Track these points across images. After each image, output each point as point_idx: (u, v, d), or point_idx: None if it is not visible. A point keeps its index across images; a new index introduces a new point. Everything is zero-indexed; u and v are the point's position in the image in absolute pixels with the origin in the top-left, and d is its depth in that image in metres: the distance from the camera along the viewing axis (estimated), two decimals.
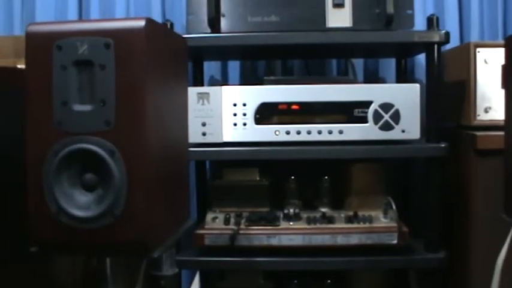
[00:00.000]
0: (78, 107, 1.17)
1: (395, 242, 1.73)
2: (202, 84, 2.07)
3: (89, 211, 1.17)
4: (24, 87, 1.19)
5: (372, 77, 2.22)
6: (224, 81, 2.22)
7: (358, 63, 2.22)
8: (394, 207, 1.70)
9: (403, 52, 2.02)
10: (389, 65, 2.21)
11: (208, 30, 1.76)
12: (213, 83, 2.21)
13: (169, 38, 1.34)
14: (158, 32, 1.24)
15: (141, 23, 1.16)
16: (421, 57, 2.17)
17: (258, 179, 1.84)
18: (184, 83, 1.46)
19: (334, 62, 2.24)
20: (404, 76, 2.12)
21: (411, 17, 1.78)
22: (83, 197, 1.19)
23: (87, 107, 1.17)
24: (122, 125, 1.15)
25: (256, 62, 2.24)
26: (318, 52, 2.00)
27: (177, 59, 1.39)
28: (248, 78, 2.22)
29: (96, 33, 1.16)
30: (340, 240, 1.73)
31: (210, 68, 2.21)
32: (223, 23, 1.76)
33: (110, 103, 1.16)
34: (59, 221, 1.18)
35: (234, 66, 2.23)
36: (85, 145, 1.16)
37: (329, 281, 1.90)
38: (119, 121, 1.15)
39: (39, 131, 1.18)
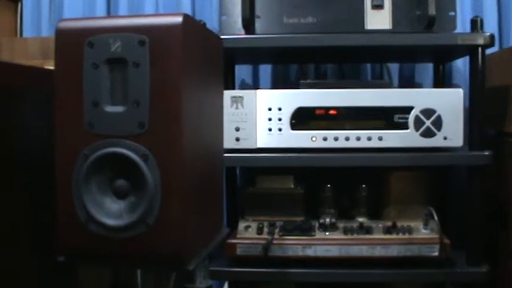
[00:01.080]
0: (110, 108, 1.08)
1: (436, 254, 1.61)
2: (233, 88, 1.97)
3: (120, 220, 1.07)
4: (52, 88, 1.10)
5: (408, 82, 2.11)
6: (255, 86, 2.13)
7: (393, 68, 2.11)
8: (436, 217, 1.58)
9: (443, 56, 1.91)
10: (425, 70, 2.10)
11: (242, 31, 1.66)
12: (244, 87, 2.11)
13: (206, 37, 1.24)
14: (195, 30, 1.14)
15: (179, 19, 1.06)
16: (460, 62, 2.07)
17: (292, 186, 1.73)
18: (220, 85, 1.36)
19: (368, 66, 2.13)
20: (442, 82, 2.01)
21: (453, 19, 1.68)
22: (114, 205, 1.09)
23: (119, 108, 1.07)
24: (156, 127, 1.06)
25: (288, 66, 2.14)
26: (355, 56, 1.89)
27: (213, 60, 1.30)
28: (280, 83, 2.12)
29: (130, 30, 1.07)
30: (379, 251, 1.62)
31: (241, 71, 2.11)
32: (258, 25, 1.67)
33: (143, 104, 1.06)
34: (88, 230, 1.09)
35: (265, 70, 2.13)
36: (117, 149, 1.06)
37: None
38: (153, 123, 1.06)
39: (68, 134, 1.09)
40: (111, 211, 1.09)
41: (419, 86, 2.10)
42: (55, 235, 1.11)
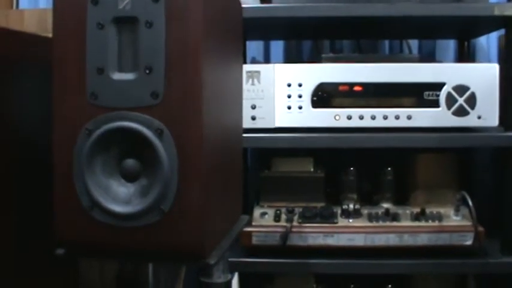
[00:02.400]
0: (117, 76, 0.89)
1: (469, 243, 1.44)
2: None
3: (130, 206, 0.89)
4: (51, 57, 0.91)
5: (427, 59, 1.91)
6: (267, 63, 1.93)
7: (413, 45, 1.92)
8: (470, 203, 1.40)
9: (471, 31, 1.72)
10: (447, 47, 1.91)
11: (257, 1, 1.47)
12: (255, 64, 1.91)
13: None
14: None
15: None
16: (483, 40, 1.88)
17: (312, 169, 1.55)
18: (239, 56, 1.18)
19: (386, 43, 1.94)
20: (466, 60, 1.82)
21: None
22: (122, 189, 0.91)
23: (128, 76, 0.89)
24: (172, 97, 0.87)
25: (301, 43, 1.95)
26: (375, 30, 1.70)
27: (234, 27, 1.11)
28: (292, 60, 1.92)
29: None
30: (407, 240, 1.45)
31: (251, 48, 1.92)
32: None
33: (157, 70, 0.87)
34: (92, 218, 0.91)
35: (277, 47, 1.94)
36: (125, 123, 0.88)
37: (390, 286, 1.61)
38: (169, 93, 0.87)
39: (68, 106, 0.91)
40: (118, 196, 0.91)
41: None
42: (53, 224, 0.92)
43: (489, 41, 1.88)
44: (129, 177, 0.91)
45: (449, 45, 1.92)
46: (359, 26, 1.64)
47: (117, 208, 0.89)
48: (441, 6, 1.45)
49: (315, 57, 1.88)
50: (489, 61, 1.87)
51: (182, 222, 0.88)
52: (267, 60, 1.94)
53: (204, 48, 0.88)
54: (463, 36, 1.83)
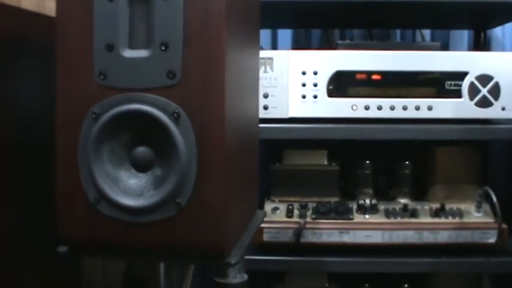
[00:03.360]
0: (128, 53, 0.78)
1: (492, 241, 1.33)
2: None
3: (142, 199, 0.78)
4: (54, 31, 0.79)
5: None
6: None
7: (425, 34, 1.81)
8: (495, 199, 1.29)
9: (487, 20, 1.61)
10: (460, 37, 1.80)
11: None
12: None
13: None
14: None
15: None
16: (498, 31, 1.77)
17: (326, 163, 1.44)
18: (257, 40, 1.06)
19: (398, 32, 1.83)
20: (482, 50, 1.71)
21: None
22: (134, 180, 0.80)
23: (142, 53, 0.78)
24: (191, 77, 0.76)
25: (309, 32, 1.83)
26: (389, 17, 1.59)
27: (253, 9, 0.99)
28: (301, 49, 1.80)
29: None
30: (426, 237, 1.34)
31: None
32: None
33: (174, 47, 0.76)
34: (99, 212, 0.79)
35: (284, 36, 1.82)
36: (138, 106, 0.77)
37: (406, 285, 1.50)
38: (188, 72, 0.76)
39: (73, 87, 0.79)
40: (129, 188, 0.79)
41: None
42: (55, 219, 0.80)
43: (504, 32, 1.77)
44: (141, 166, 0.79)
45: (463, 36, 1.81)
46: (371, 14, 1.53)
47: (128, 201, 0.78)
48: None
49: (324, 47, 1.77)
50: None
51: (201, 218, 0.77)
52: (274, 48, 1.82)
53: (228, 23, 0.76)
54: (478, 27, 1.72)
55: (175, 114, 0.76)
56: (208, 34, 0.76)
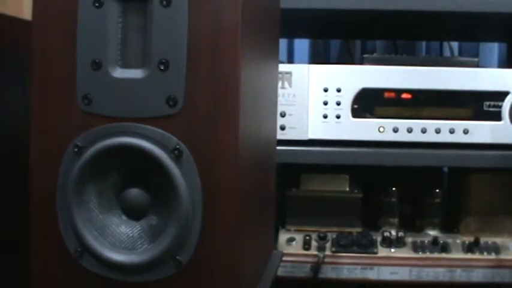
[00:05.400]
0: (120, 73, 0.61)
1: None
2: None
3: (134, 254, 0.61)
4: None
5: None
6: (290, 63, 1.65)
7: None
8: None
9: None
10: (491, 50, 1.64)
11: None
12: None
13: None
14: None
15: None
16: None
17: (348, 189, 1.27)
18: (276, 52, 0.89)
19: (423, 44, 1.67)
20: None
21: None
22: (124, 229, 0.63)
23: (136, 73, 0.61)
24: (196, 105, 0.59)
25: (328, 42, 1.67)
26: (415, 28, 1.43)
27: (272, 15, 0.83)
28: (319, 61, 1.65)
29: None
30: (459, 275, 1.17)
31: None
32: None
33: (176, 66, 0.59)
34: (81, 268, 0.61)
35: (302, 46, 1.67)
36: (130, 139, 0.60)
37: None
38: (192, 99, 0.59)
39: (51, 113, 0.62)
40: (118, 239, 0.63)
41: None
42: (28, 274, 0.64)
43: None
44: (134, 213, 0.63)
45: (494, 49, 1.65)
46: (395, 24, 1.36)
47: (116, 256, 0.62)
48: (500, 2, 1.17)
49: (344, 59, 1.62)
50: None
51: (206, 278, 0.60)
52: (290, 60, 1.68)
53: (243, 36, 0.60)
54: (511, 39, 1.56)
55: (176, 151, 0.59)
56: (219, 50, 0.59)
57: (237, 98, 0.59)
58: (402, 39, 1.64)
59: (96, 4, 0.61)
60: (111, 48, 0.61)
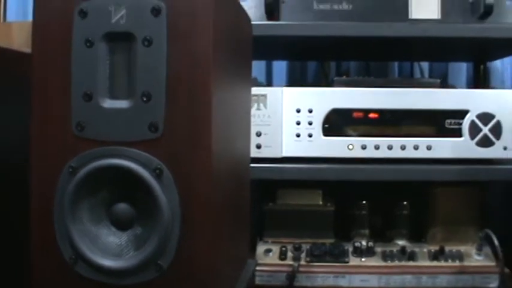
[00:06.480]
0: (108, 103, 0.72)
1: (494, 286, 1.27)
2: None
3: (121, 260, 0.72)
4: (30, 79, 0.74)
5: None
6: (269, 84, 1.76)
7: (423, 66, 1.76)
8: (496, 242, 1.23)
9: (492, 53, 1.56)
10: (459, 70, 1.76)
11: (263, 18, 1.31)
12: (257, 85, 1.73)
13: (238, 12, 0.88)
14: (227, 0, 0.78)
15: None
16: (498, 63, 1.72)
17: (321, 203, 1.37)
18: (249, 78, 1.01)
19: (395, 65, 1.78)
20: (481, 83, 1.66)
21: (511, 9, 1.33)
22: (113, 239, 0.74)
23: (122, 104, 0.72)
24: (175, 131, 0.70)
25: (305, 64, 1.78)
26: (388, 50, 1.53)
27: (244, 45, 0.94)
28: (296, 81, 1.75)
29: None
30: (425, 282, 1.28)
31: (253, 68, 1.73)
32: (283, 11, 1.31)
33: (157, 98, 0.70)
34: (75, 274, 0.72)
35: (280, 68, 1.77)
36: (118, 161, 0.71)
37: None
38: (171, 125, 0.70)
39: (49, 139, 0.73)
40: (108, 247, 0.73)
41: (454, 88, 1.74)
42: (29, 280, 0.74)
43: (504, 65, 1.73)
44: (121, 225, 0.73)
45: (462, 68, 1.76)
46: (370, 47, 1.47)
47: (107, 262, 0.72)
48: (464, 28, 1.29)
49: (320, 79, 1.72)
50: (503, 85, 1.72)
51: (184, 281, 0.71)
52: (269, 81, 1.77)
53: (215, 70, 0.71)
54: (479, 59, 1.67)
55: (157, 171, 0.70)
56: (194, 83, 0.70)
57: (209, 123, 0.70)
58: (374, 60, 1.74)
59: (88, 44, 0.72)
60: (100, 82, 0.72)
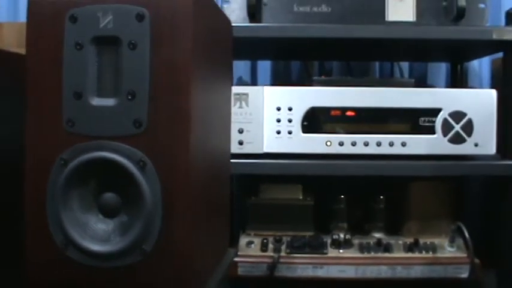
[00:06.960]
0: (96, 101, 0.80)
1: (465, 276, 1.35)
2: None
3: (109, 245, 0.79)
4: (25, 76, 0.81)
5: (419, 83, 1.83)
6: (253, 84, 1.84)
7: (403, 67, 1.84)
8: (467, 234, 1.32)
9: (467, 54, 1.65)
10: (439, 70, 1.84)
11: (246, 20, 1.39)
12: (242, 85, 1.82)
13: (217, 16, 0.96)
14: (207, 4, 0.86)
15: None
16: (475, 63, 1.81)
17: (301, 197, 1.45)
18: (229, 78, 1.08)
19: (376, 65, 1.86)
20: (459, 83, 1.75)
21: (483, 12, 1.42)
22: (101, 225, 0.81)
23: (109, 101, 0.79)
24: (157, 126, 0.78)
25: (289, 63, 1.86)
26: (367, 51, 1.62)
27: (224, 46, 1.02)
28: (280, 81, 1.83)
29: (126, 0, 0.78)
30: (400, 272, 1.36)
31: (238, 68, 1.82)
32: (265, 13, 1.39)
33: (141, 96, 0.78)
34: (67, 258, 0.81)
35: (264, 67, 1.85)
36: (105, 153, 0.78)
37: None
38: (154, 121, 0.78)
39: (42, 134, 0.80)
40: (96, 233, 0.81)
41: (433, 87, 1.83)
42: (23, 263, 0.82)
43: (481, 65, 1.81)
44: (108, 212, 0.81)
45: (441, 68, 1.84)
46: (351, 48, 1.56)
47: (95, 247, 0.79)
48: (438, 30, 1.38)
49: (303, 79, 1.80)
50: (481, 85, 1.81)
51: (166, 264, 0.79)
52: (254, 80, 1.85)
53: (194, 72, 0.79)
54: (456, 60, 1.76)
55: (141, 163, 0.78)
56: (174, 84, 0.78)
57: (188, 120, 0.77)
58: (356, 61, 1.82)
59: (78, 47, 0.79)
60: (89, 81, 0.79)
